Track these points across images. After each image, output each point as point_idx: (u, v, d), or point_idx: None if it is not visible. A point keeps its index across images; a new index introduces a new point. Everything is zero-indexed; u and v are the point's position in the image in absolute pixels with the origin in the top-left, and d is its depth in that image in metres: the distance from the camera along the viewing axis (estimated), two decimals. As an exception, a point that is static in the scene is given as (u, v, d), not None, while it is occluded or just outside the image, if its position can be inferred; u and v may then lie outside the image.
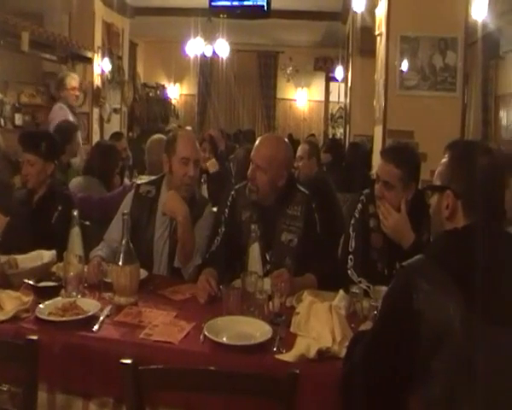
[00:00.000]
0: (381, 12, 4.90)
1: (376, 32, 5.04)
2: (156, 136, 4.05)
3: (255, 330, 1.91)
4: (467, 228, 1.49)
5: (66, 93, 5.36)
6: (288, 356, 1.75)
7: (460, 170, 1.54)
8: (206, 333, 1.86)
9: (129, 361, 1.45)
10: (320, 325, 1.85)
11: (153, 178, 2.95)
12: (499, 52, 8.81)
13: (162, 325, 1.99)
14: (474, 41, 8.55)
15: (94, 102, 7.54)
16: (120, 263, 2.14)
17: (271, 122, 12.06)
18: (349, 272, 2.45)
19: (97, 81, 7.60)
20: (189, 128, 8.78)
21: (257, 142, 2.64)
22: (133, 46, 10.75)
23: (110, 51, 7.98)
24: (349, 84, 7.29)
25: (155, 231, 2.67)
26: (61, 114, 5.20)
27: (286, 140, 2.72)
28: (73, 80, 5.46)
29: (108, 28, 7.93)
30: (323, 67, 11.82)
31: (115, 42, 8.28)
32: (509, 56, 8.59)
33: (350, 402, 1.56)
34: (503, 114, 8.97)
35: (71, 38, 6.82)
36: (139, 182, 2.99)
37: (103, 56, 7.69)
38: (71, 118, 5.19)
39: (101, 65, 7.68)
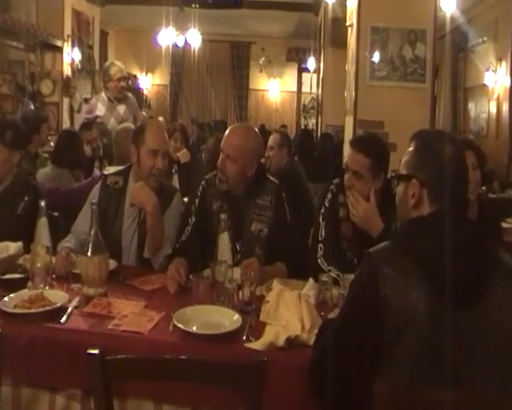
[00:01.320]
0: (351, 3, 4.93)
1: (347, 23, 5.07)
2: (123, 125, 3.99)
3: (224, 319, 1.92)
4: (431, 215, 1.51)
5: (111, 84, 5.18)
6: (257, 344, 1.76)
7: (425, 159, 1.56)
8: (175, 323, 1.85)
9: (96, 351, 1.43)
10: (289, 313, 1.86)
11: (120, 168, 2.91)
12: (468, 45, 8.96)
13: (131, 316, 1.97)
14: (443, 34, 8.68)
15: (64, 92, 7.40)
16: (89, 254, 2.12)
17: (244, 113, 12.04)
18: (319, 260, 2.47)
19: (67, 70, 7.47)
20: (160, 119, 8.70)
21: (227, 132, 2.63)
22: (104, 35, 10.58)
23: (80, 40, 7.84)
24: (321, 75, 7.31)
25: (123, 222, 2.64)
26: (92, 105, 5.15)
27: (256, 130, 2.72)
28: (119, 71, 5.22)
29: (78, 16, 7.79)
30: (296, 57, 11.85)
31: (85, 30, 8.14)
32: (478, 50, 8.74)
33: (318, 388, 1.57)
34: (471, 106, 9.13)
35: (39, 25, 6.68)
36: (106, 173, 2.93)
37: (73, 45, 7.56)
38: (102, 110, 5.05)
39: (71, 54, 7.54)
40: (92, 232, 2.12)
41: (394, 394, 1.29)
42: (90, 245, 2.12)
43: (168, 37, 9.23)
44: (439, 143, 1.56)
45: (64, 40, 7.24)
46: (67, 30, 7.39)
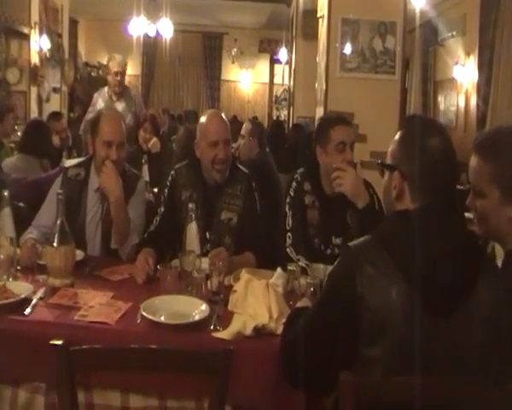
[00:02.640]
0: (323, -6, 4.93)
1: (318, 15, 5.07)
2: (91, 115, 3.93)
3: (192, 308, 1.91)
4: (416, 212, 1.44)
5: (109, 78, 5.04)
6: (224, 334, 1.76)
7: (409, 151, 1.47)
8: (142, 313, 1.84)
9: (59, 342, 1.41)
10: (257, 302, 1.87)
11: (80, 159, 2.86)
12: (438, 39, 9.08)
13: (98, 306, 1.95)
14: (414, 28, 8.78)
15: (31, 81, 7.24)
16: (55, 244, 2.08)
17: (216, 103, 11.99)
18: (288, 250, 2.48)
19: (35, 59, 7.30)
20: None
21: (207, 122, 2.58)
22: (74, 24, 10.39)
23: (49, 28, 7.67)
24: (293, 67, 7.32)
25: (87, 213, 2.60)
26: (95, 99, 5.02)
27: None
28: (117, 64, 4.98)
29: (46, 3, 7.61)
30: (268, 49, 11.84)
31: (54, 18, 7.96)
32: (447, 43, 8.86)
33: (289, 373, 1.57)
34: (441, 99, 9.27)
35: (3, 11, 6.50)
36: (67, 165, 2.86)
37: (41, 33, 7.39)
38: (101, 104, 4.91)
39: (39, 42, 7.37)
40: (58, 222, 2.09)
41: (360, 381, 1.29)
42: (56, 235, 2.09)
43: (139, 26, 9.09)
44: (425, 135, 1.46)
45: (31, 27, 7.07)
46: (35, 17, 7.21)
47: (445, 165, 1.45)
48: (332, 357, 1.45)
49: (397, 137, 1.53)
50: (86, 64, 11.44)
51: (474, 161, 1.57)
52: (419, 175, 1.44)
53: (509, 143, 1.52)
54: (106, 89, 5.11)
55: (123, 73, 5.08)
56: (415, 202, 1.45)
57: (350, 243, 1.47)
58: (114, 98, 5.01)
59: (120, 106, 4.93)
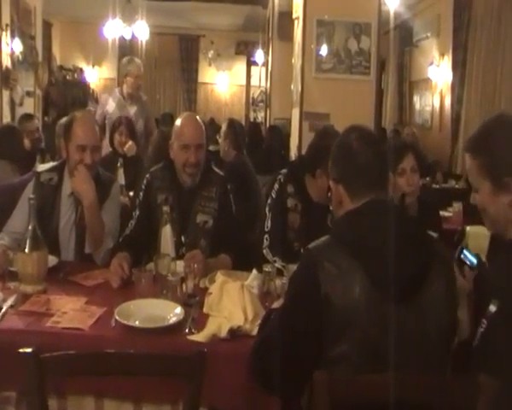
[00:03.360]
0: (298, -4, 4.95)
1: (294, 16, 5.09)
2: (65, 119, 3.88)
3: (167, 312, 1.90)
4: (362, 208, 1.49)
5: (129, 80, 4.95)
6: (199, 336, 1.75)
7: (333, 156, 1.62)
8: (117, 317, 1.82)
9: (29, 350, 1.38)
10: (232, 304, 1.86)
11: (53, 164, 2.82)
12: (413, 40, 9.19)
13: (72, 312, 1.92)
14: (390, 29, 8.87)
15: (3, 84, 7.11)
16: (27, 250, 2.05)
17: (193, 106, 11.93)
18: (264, 251, 2.48)
19: (7, 62, 7.17)
20: (90, 109, 8.50)
21: (182, 124, 2.57)
22: (47, 26, 10.24)
23: (21, 30, 7.54)
24: (269, 69, 7.33)
25: (60, 218, 2.56)
26: (104, 99, 4.98)
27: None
28: (138, 68, 5.02)
29: (18, 5, 7.48)
30: (245, 51, 11.83)
31: (26, 20, 7.83)
32: (422, 44, 8.97)
33: (259, 376, 1.57)
34: (416, 99, 9.38)
35: (-28, 12, 6.38)
36: (39, 170, 2.81)
37: (13, 35, 7.26)
38: (112, 106, 4.84)
39: (11, 44, 7.25)
40: (30, 228, 2.06)
41: (332, 381, 1.29)
42: (28, 241, 2.05)
43: (115, 29, 9.01)
44: (343, 137, 1.60)
45: (2, 29, 6.95)
46: (6, 19, 7.08)
47: (369, 157, 1.54)
48: (300, 359, 1.46)
49: None
50: (61, 67, 11.28)
51: (466, 160, 1.62)
52: (348, 174, 1.55)
53: (492, 135, 1.55)
54: (117, 91, 5.05)
55: (141, 77, 5.10)
56: (354, 202, 1.53)
57: (309, 245, 1.49)
58: (128, 102, 4.95)
59: (132, 110, 4.90)
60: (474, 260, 1.79)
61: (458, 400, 1.35)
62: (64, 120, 2.61)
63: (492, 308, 1.43)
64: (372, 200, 1.49)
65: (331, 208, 2.37)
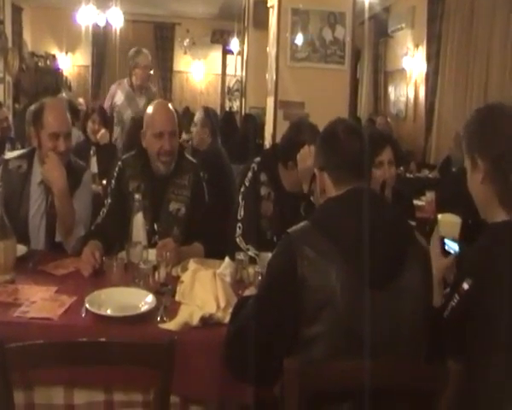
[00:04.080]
0: (273, -16, 4.92)
1: (269, 5, 5.07)
2: (33, 106, 3.79)
3: (139, 300, 1.88)
4: (344, 196, 1.52)
5: (137, 71, 4.82)
6: (170, 325, 1.74)
7: (321, 147, 1.64)
8: (87, 306, 1.79)
9: (-8, 341, 1.35)
10: (204, 292, 1.85)
11: (22, 151, 2.75)
12: (388, 31, 9.24)
13: (41, 301, 1.89)
14: (365, 19, 8.90)
15: (-28, 71, 6.95)
16: (-7, 239, 2.00)
17: (168, 95, 11.81)
18: (237, 240, 2.48)
19: (-25, 47, 7.01)
20: (80, 100, 8.38)
21: (153, 113, 2.54)
22: (17, 11, 10.00)
23: (-11, 15, 7.38)
24: (245, 57, 7.29)
25: (30, 207, 2.51)
26: (112, 90, 4.86)
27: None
28: (146, 58, 4.93)
29: (-14, -11, 7.32)
30: (220, 39, 11.74)
31: (-5, 5, 7.67)
32: (397, 35, 9.03)
33: (234, 363, 1.58)
34: (391, 89, 9.45)
35: None
36: (7, 157, 2.73)
37: (-19, 20, 7.09)
38: (120, 98, 4.73)
39: (-20, 30, 7.07)
40: (-3, 216, 2.01)
41: (303, 368, 1.29)
42: (-5, 230, 2.00)
43: (88, 15, 8.85)
44: (327, 127, 1.64)
45: (-30, 14, 6.78)
46: (-26, 3, 6.92)
47: (350, 146, 1.57)
48: (277, 343, 1.47)
49: None
50: (32, 54, 11.05)
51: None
52: (332, 161, 1.58)
53: (469, 121, 1.64)
54: (125, 81, 4.92)
55: (151, 68, 5.02)
56: (338, 188, 1.56)
57: (289, 230, 1.51)
58: (137, 93, 4.84)
59: (141, 102, 4.78)
60: (456, 248, 1.83)
61: (429, 385, 1.37)
62: (33, 107, 2.53)
63: (465, 286, 1.48)
64: (354, 188, 1.53)
65: (312, 199, 2.41)
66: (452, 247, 1.82)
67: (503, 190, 1.53)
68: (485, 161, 1.55)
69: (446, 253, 1.82)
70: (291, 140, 2.52)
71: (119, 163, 2.62)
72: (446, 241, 1.84)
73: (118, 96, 4.84)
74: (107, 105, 4.75)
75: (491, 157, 1.54)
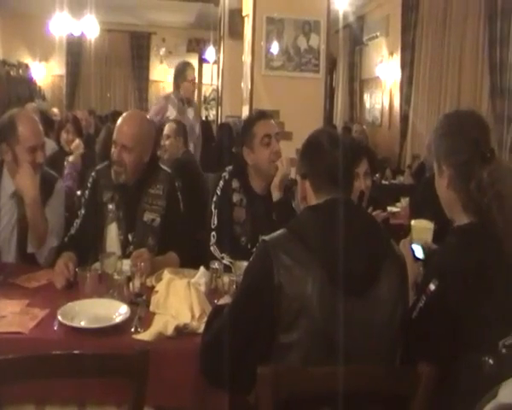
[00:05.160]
0: (248, -7, 4.93)
1: (244, 14, 5.08)
2: (1, 119, 3.72)
3: (113, 311, 1.86)
4: (326, 203, 1.53)
5: (185, 85, 4.82)
6: (145, 335, 1.73)
7: (305, 155, 1.65)
8: (59, 319, 1.77)
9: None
10: (179, 302, 1.84)
11: None
12: (363, 39, 9.36)
13: (11, 315, 1.85)
14: (341, 27, 9.00)
15: None
16: (-39, 253, 1.97)
17: (144, 104, 11.76)
18: (211, 248, 2.47)
19: None
20: (55, 110, 8.28)
21: (118, 122, 2.54)
22: (-12, 19, 9.88)
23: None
24: (221, 66, 7.29)
25: (0, 219, 2.47)
26: (162, 107, 4.77)
27: (147, 115, 2.68)
28: (193, 72, 4.99)
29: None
30: (197, 48, 11.76)
31: (-34, 13, 7.54)
32: (372, 43, 9.15)
33: (210, 371, 1.57)
34: (366, 97, 9.56)
35: None
36: None
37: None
38: (172, 112, 4.68)
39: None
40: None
41: (276, 374, 1.30)
42: (-38, 243, 1.97)
43: (63, 24, 8.78)
44: (311, 136, 1.65)
45: None
46: None
47: (337, 156, 1.58)
48: (252, 351, 1.47)
49: None
50: (4, 62, 10.88)
51: None
52: (315, 170, 1.59)
53: (437, 127, 1.69)
54: (172, 95, 4.92)
55: (195, 80, 5.09)
56: (319, 197, 1.57)
57: (265, 237, 1.51)
58: (185, 106, 4.84)
59: (191, 114, 4.83)
60: (421, 255, 1.86)
61: (401, 388, 1.38)
62: (2, 121, 2.46)
63: (432, 287, 1.51)
64: (332, 198, 1.54)
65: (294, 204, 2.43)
66: (419, 253, 1.86)
67: (464, 196, 1.58)
68: (449, 167, 1.59)
69: (417, 258, 1.85)
70: (244, 126, 2.63)
71: (93, 173, 2.60)
72: (413, 247, 1.87)
73: (170, 110, 4.81)
74: (157, 119, 4.69)
75: (454, 164, 1.58)
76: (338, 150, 1.59)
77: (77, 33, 9.36)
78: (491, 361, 1.40)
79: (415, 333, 1.53)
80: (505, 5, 5.21)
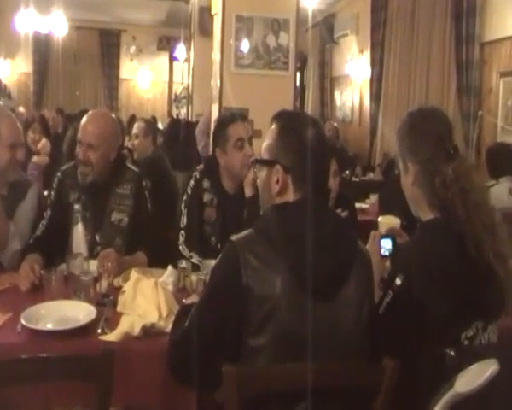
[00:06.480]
0: (217, -9, 4.93)
1: (213, 12, 5.07)
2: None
3: (79, 313, 1.84)
4: (295, 203, 1.48)
5: None
6: (111, 336, 1.71)
7: (288, 143, 1.48)
8: (22, 322, 1.74)
9: None
10: (146, 301, 1.83)
11: None
12: (333, 37, 9.42)
13: (-28, 321, 1.81)
14: (312, 25, 9.05)
15: None
16: None
17: (114, 103, 11.67)
18: (180, 247, 2.46)
19: None
20: (21, 109, 8.15)
21: (82, 121, 2.51)
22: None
23: None
24: (191, 65, 7.27)
25: None
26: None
27: (112, 114, 2.66)
28: None
29: None
30: (167, 46, 11.70)
31: None
32: (342, 41, 9.22)
33: (177, 373, 1.56)
34: (337, 94, 9.63)
35: None
36: None
37: None
38: None
39: None
40: None
41: (241, 373, 1.30)
42: None
43: (29, 20, 8.61)
44: (301, 126, 1.50)
45: None
46: None
47: (322, 155, 1.52)
48: (220, 351, 1.45)
49: (272, 131, 1.54)
50: (-34, 60, 10.65)
51: None
52: (301, 166, 1.47)
53: (401, 125, 1.69)
54: None
55: None
56: (297, 194, 1.49)
57: (232, 237, 1.47)
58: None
59: None
60: (388, 252, 1.88)
61: (366, 384, 1.40)
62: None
63: (398, 281, 1.53)
64: (300, 198, 1.48)
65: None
66: (387, 248, 1.88)
67: (430, 193, 1.60)
68: (414, 164, 1.62)
69: (383, 256, 1.88)
70: (217, 127, 2.60)
71: (59, 174, 2.57)
72: (381, 243, 1.89)
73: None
74: (207, 122, 4.58)
75: (418, 161, 1.60)
76: (323, 148, 1.53)
77: (44, 30, 9.21)
78: (452, 353, 1.43)
79: (382, 328, 1.53)
80: (471, 5, 5.32)
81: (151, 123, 4.16)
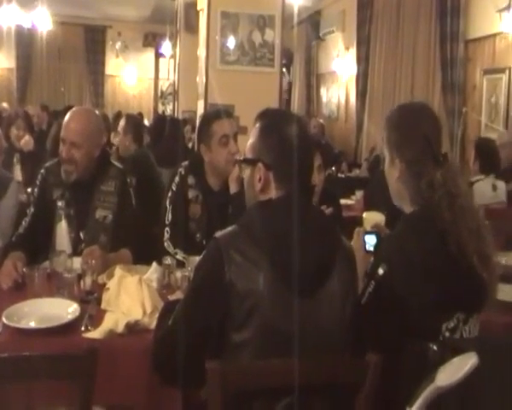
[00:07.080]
0: (202, -13, 4.91)
1: (199, 8, 5.06)
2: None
3: (63, 310, 1.83)
4: (279, 200, 1.48)
5: None
6: (95, 333, 1.71)
7: (269, 141, 1.49)
8: (4, 320, 1.72)
9: None
10: (130, 298, 1.83)
11: None
12: (320, 34, 9.44)
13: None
14: (298, 22, 9.06)
15: None
16: None
17: (100, 99, 11.57)
18: (165, 244, 2.46)
19: None
20: (4, 104, 8.06)
21: (65, 119, 2.49)
22: None
23: None
24: (177, 61, 7.24)
25: None
26: None
27: (95, 111, 2.64)
28: None
29: None
30: (153, 43, 11.64)
31: None
32: (328, 38, 9.24)
33: (162, 370, 1.55)
34: (323, 91, 9.65)
35: None
36: None
37: None
38: None
39: None
40: None
41: (224, 369, 1.30)
42: None
43: (12, 15, 8.50)
44: (283, 124, 1.51)
45: None
46: None
47: (305, 152, 1.51)
48: (205, 347, 1.46)
49: (255, 130, 1.54)
50: None
51: None
52: (283, 163, 1.48)
53: (391, 115, 1.72)
54: None
55: None
56: (279, 191, 1.49)
57: (216, 234, 1.47)
58: None
59: None
60: (373, 247, 1.89)
61: (351, 377, 1.40)
62: None
63: (380, 271, 1.54)
64: (284, 195, 1.48)
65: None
66: (371, 243, 1.89)
67: (413, 191, 1.62)
68: (401, 161, 1.62)
69: (367, 251, 1.89)
70: (202, 123, 2.59)
71: (42, 171, 2.54)
72: (365, 238, 1.90)
73: None
74: None
75: (406, 159, 1.61)
76: (306, 145, 1.53)
77: (27, 24, 9.10)
78: (434, 348, 1.44)
79: (364, 319, 1.54)
80: (455, 3, 5.36)
81: (132, 120, 4.11)
